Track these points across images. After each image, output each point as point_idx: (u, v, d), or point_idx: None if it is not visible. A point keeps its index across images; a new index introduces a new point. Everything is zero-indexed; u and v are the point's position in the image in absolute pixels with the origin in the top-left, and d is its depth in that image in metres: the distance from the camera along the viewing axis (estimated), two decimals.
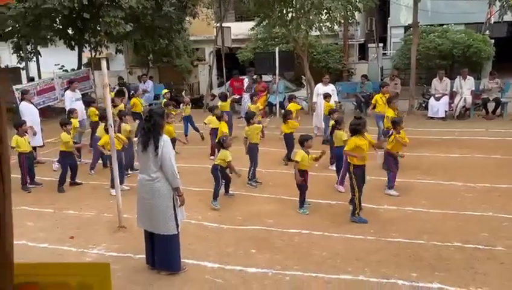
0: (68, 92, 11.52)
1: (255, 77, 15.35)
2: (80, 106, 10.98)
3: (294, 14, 14.11)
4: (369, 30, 23.15)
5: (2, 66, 25.07)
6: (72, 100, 11.12)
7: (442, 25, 20.45)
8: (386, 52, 23.44)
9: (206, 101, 17.73)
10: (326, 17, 13.70)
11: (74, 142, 9.90)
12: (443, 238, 5.72)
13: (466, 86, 13.45)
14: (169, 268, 5.11)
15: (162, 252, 5.07)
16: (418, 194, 7.49)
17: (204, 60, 24.42)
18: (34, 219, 6.94)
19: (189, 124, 11.83)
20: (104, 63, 6.17)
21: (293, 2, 13.73)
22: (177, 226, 4.99)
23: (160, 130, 4.92)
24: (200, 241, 5.93)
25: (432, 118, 13.70)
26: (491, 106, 13.58)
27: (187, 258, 5.39)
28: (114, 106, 11.39)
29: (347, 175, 6.95)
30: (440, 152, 10.04)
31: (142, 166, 5.05)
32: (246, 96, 14.24)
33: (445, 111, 13.57)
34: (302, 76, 17.66)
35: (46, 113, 15.43)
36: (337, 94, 15.73)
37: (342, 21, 15.83)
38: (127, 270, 5.22)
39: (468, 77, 13.65)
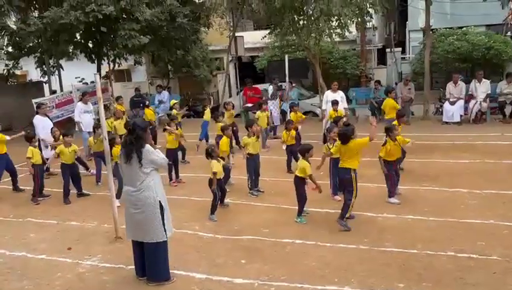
0: (80, 103, 11.92)
1: (279, 84, 15.30)
2: (88, 118, 11.24)
3: (305, 22, 14.11)
4: (388, 35, 22.92)
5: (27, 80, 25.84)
6: (81, 112, 11.39)
7: (462, 27, 20.06)
8: (405, 56, 23.13)
9: (222, 110, 17.80)
10: (337, 23, 13.64)
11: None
12: (437, 247, 5.60)
13: (481, 89, 13.15)
14: (157, 278, 5.16)
15: (151, 261, 5.12)
16: (421, 202, 7.35)
17: (227, 69, 24.66)
18: (37, 231, 7.11)
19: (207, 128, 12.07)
20: (97, 78, 6.33)
21: (304, 10, 13.73)
22: (165, 232, 5.05)
23: (142, 142, 4.97)
24: (193, 252, 5.97)
25: (446, 122, 13.43)
26: (508, 109, 13.23)
27: (177, 269, 5.43)
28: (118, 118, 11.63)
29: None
30: (450, 158, 9.84)
31: (127, 178, 5.13)
32: (271, 103, 14.15)
33: (461, 115, 13.29)
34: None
35: (66, 125, 15.82)
36: (351, 100, 15.70)
37: (356, 27, 15.71)
38: (117, 282, 5.30)
39: (483, 80, 13.35)
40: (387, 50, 21.26)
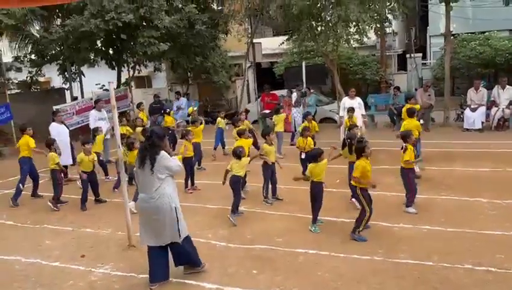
0: (93, 111, 11.92)
1: (303, 90, 15.22)
2: (102, 125, 11.31)
3: (322, 28, 14.04)
4: (408, 40, 22.68)
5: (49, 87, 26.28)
6: (95, 119, 11.49)
7: (485, 32, 19.73)
8: (426, 62, 22.83)
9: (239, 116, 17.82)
10: (355, 29, 13.53)
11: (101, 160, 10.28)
12: (454, 260, 5.44)
13: (504, 95, 12.87)
14: (194, 264, 5.46)
15: (186, 254, 5.35)
16: (438, 212, 7.19)
17: (245, 76, 24.73)
18: (52, 237, 7.17)
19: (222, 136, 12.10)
20: (111, 86, 6.36)
21: (321, 16, 13.66)
22: (180, 234, 5.17)
23: (157, 149, 5.02)
24: (204, 261, 5.90)
25: (467, 129, 13.17)
26: None
27: (188, 279, 5.42)
28: (136, 126, 11.72)
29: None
30: (470, 166, 9.62)
31: (141, 185, 5.16)
32: (295, 110, 14.08)
33: (482, 122, 13.01)
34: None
35: (85, 131, 16.02)
36: (370, 107, 15.53)
37: (375, 33, 15.56)
38: None
39: (507, 86, 13.05)
40: (408, 55, 21.00)
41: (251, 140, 9.13)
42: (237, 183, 7.33)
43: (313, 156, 6.79)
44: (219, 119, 12.33)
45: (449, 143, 11.78)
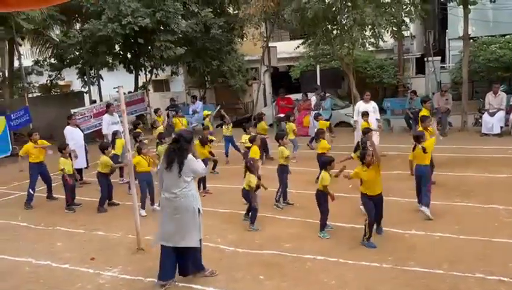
0: (106, 115, 11.97)
1: (322, 94, 15.13)
2: (116, 129, 11.37)
3: (338, 31, 13.96)
4: (427, 43, 22.38)
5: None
6: (109, 124, 11.56)
7: (505, 35, 19.37)
8: (444, 65, 22.51)
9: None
10: (370, 33, 13.42)
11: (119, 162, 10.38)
12: (465, 268, 5.33)
13: None
14: (198, 269, 5.52)
15: (192, 261, 5.45)
16: (452, 218, 7.05)
17: (260, 79, 24.76)
18: (64, 240, 7.26)
19: (230, 144, 12.01)
20: (121, 90, 6.40)
21: (337, 19, 13.57)
22: (200, 238, 5.37)
23: (185, 153, 5.15)
24: (212, 265, 5.86)
25: (486, 134, 12.93)
26: None
27: (195, 283, 5.42)
28: (155, 127, 11.80)
29: None
30: (487, 172, 9.43)
31: (166, 184, 5.24)
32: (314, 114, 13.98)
33: (501, 127, 12.76)
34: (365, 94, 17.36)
35: (101, 134, 16.21)
36: (386, 111, 15.37)
37: (393, 36, 15.38)
38: None
39: None
40: (429, 59, 20.71)
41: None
42: (247, 195, 7.26)
43: (323, 163, 6.74)
44: (224, 128, 12.25)
45: (466, 148, 11.58)
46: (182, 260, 5.42)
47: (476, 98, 17.58)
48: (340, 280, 5.30)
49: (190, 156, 5.19)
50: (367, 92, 12.19)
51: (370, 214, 6.19)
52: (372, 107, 11.47)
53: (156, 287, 5.35)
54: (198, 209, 5.24)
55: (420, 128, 8.39)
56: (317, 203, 6.69)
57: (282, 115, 15.44)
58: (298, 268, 5.72)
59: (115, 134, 10.41)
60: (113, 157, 9.21)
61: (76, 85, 26.67)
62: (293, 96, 16.83)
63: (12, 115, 14.19)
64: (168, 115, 16.33)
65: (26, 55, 23.15)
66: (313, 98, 15.17)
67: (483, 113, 13.60)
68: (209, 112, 13.59)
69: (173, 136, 5.71)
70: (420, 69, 23.13)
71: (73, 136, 10.40)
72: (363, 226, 6.29)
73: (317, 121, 10.98)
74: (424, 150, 7.03)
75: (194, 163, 5.20)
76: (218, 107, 15.22)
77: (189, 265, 5.46)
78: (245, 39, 20.13)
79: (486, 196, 7.94)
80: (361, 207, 7.24)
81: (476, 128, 14.05)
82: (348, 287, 5.11)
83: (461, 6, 13.68)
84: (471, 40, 19.14)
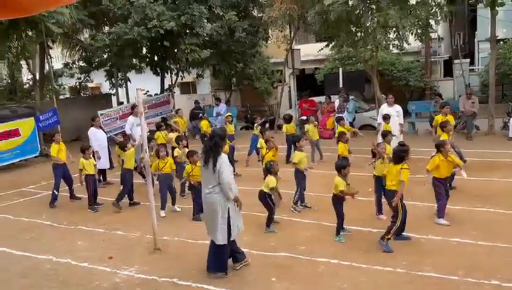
0: (131, 117, 12.15)
1: (345, 95, 15.04)
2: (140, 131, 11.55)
3: (362, 34, 13.85)
4: (455, 45, 21.98)
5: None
6: (133, 125, 11.73)
7: None
8: (473, 68, 22.04)
9: (278, 122, 17.85)
10: (394, 35, 13.27)
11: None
12: (481, 275, 5.22)
13: None
14: (214, 270, 5.65)
15: (213, 255, 5.67)
16: (471, 224, 6.92)
17: (285, 82, 24.77)
18: (84, 238, 7.44)
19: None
20: (140, 93, 6.51)
21: (360, 22, 13.47)
22: (228, 237, 5.51)
23: (219, 149, 5.44)
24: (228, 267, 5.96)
25: None
26: None
27: (207, 284, 5.48)
28: (172, 130, 11.93)
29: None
30: (511, 177, 9.19)
31: (203, 180, 5.61)
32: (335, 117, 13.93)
33: None
34: (383, 95, 17.19)
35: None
36: (411, 114, 15.16)
37: (419, 38, 15.15)
38: None
39: None
40: (457, 61, 20.31)
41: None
42: (264, 199, 7.19)
43: (338, 166, 6.71)
44: (256, 125, 12.38)
45: (492, 152, 11.33)
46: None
47: (505, 101, 17.16)
48: (352, 283, 5.28)
49: (224, 155, 5.46)
50: (390, 95, 12.04)
51: (402, 215, 6.17)
52: (395, 111, 11.34)
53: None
54: (229, 207, 5.44)
55: (443, 135, 8.23)
56: (334, 207, 6.67)
57: (304, 118, 15.44)
58: (311, 271, 5.71)
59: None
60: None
61: (106, 87, 27.27)
62: (317, 99, 16.76)
63: (41, 117, 14.60)
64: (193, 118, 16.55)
65: (57, 58, 23.80)
66: (336, 101, 15.09)
67: (511, 117, 13.28)
68: (230, 114, 13.64)
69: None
70: (448, 71, 22.72)
71: (97, 137, 10.63)
72: (381, 230, 6.25)
73: (339, 124, 10.92)
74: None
75: (225, 166, 5.38)
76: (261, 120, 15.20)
77: (209, 260, 5.68)
78: (270, 41, 20.18)
79: (509, 202, 7.76)
80: (381, 217, 7.27)
81: (504, 132, 13.71)
82: None
83: (489, 7, 13.40)
84: (501, 42, 18.72)
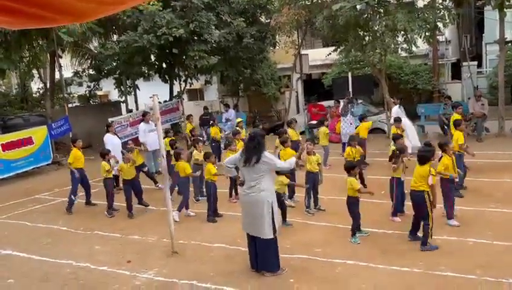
0: (142, 124, 12.27)
1: (349, 97, 14.99)
2: (153, 137, 11.64)
3: (370, 38, 13.94)
4: (463, 48, 21.99)
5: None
6: (145, 132, 11.86)
7: None
8: (481, 70, 22.04)
9: (286, 127, 17.91)
10: (402, 39, 13.34)
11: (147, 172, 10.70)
12: (498, 274, 5.27)
13: None
14: (270, 269, 5.74)
15: (263, 255, 5.76)
16: (485, 224, 6.96)
17: (292, 87, 24.86)
18: (102, 243, 7.54)
19: None
20: (155, 99, 6.64)
21: (368, 26, 13.55)
22: (275, 231, 5.66)
23: (263, 148, 5.65)
24: (243, 269, 6.02)
25: None
26: None
27: (227, 285, 5.55)
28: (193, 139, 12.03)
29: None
30: None
31: (246, 179, 5.75)
32: (342, 120, 13.93)
33: None
34: (391, 98, 17.23)
35: (137, 142, 16.62)
36: (420, 117, 15.20)
37: (427, 41, 15.20)
38: None
39: None
40: (465, 64, 20.32)
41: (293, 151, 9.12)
42: (279, 197, 7.32)
43: (348, 167, 6.79)
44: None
45: (502, 154, 11.34)
46: (256, 252, 5.82)
47: None
48: (369, 284, 5.33)
49: (266, 152, 5.66)
50: (395, 96, 12.14)
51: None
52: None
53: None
54: (272, 202, 5.63)
55: (457, 132, 8.28)
56: (348, 209, 6.74)
57: (314, 122, 15.51)
58: (328, 272, 5.77)
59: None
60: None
61: (114, 95, 27.47)
62: (325, 103, 16.84)
63: (53, 125, 14.76)
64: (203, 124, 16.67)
65: (66, 66, 24.04)
66: (341, 104, 15.15)
67: None
68: (241, 119, 13.73)
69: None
70: (456, 74, 22.74)
71: (113, 143, 10.76)
72: (396, 232, 6.29)
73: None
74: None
75: (272, 158, 5.74)
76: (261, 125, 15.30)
77: (259, 259, 5.80)
78: (277, 47, 20.30)
79: None
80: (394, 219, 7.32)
81: None
82: None
83: (497, 9, 13.43)
84: (509, 44, 18.71)
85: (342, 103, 14.89)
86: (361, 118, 11.81)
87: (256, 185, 5.58)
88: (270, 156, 5.73)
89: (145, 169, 10.96)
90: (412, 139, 11.14)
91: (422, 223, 6.28)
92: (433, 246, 6.19)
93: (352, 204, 6.67)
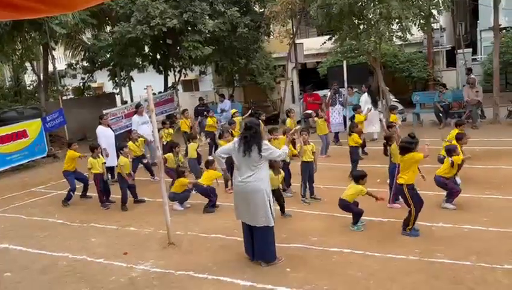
0: (135, 116, 12.23)
1: (336, 87, 15.00)
2: (146, 129, 11.62)
3: (364, 26, 13.88)
4: (458, 35, 21.96)
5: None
6: (138, 124, 11.83)
7: None
8: (476, 57, 22.04)
9: (282, 117, 17.89)
10: (397, 26, 13.30)
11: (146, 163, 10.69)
12: (493, 260, 5.30)
13: None
14: (267, 259, 5.76)
15: (260, 244, 5.76)
16: (481, 211, 7.00)
17: (287, 77, 24.79)
18: (98, 235, 7.54)
19: None
20: (149, 90, 6.61)
21: (363, 14, 13.49)
22: (273, 219, 5.70)
23: (260, 136, 5.68)
24: (240, 259, 6.04)
25: None
26: None
27: (223, 276, 5.56)
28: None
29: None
30: None
31: (242, 169, 5.67)
32: (330, 110, 13.91)
33: None
34: (386, 87, 17.20)
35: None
36: (416, 105, 15.20)
37: (421, 29, 15.14)
38: (166, 287, 5.49)
39: None
40: (459, 51, 20.31)
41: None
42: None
43: (355, 177, 6.83)
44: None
45: (497, 140, 11.38)
46: (252, 241, 5.83)
47: (509, 89, 17.19)
48: (366, 271, 5.36)
49: (265, 141, 5.72)
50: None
51: (417, 204, 6.26)
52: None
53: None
54: (267, 190, 5.64)
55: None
56: (346, 210, 6.84)
57: (309, 111, 15.46)
58: (324, 261, 5.79)
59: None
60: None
61: (108, 87, 27.37)
62: (321, 93, 16.80)
63: (47, 117, 14.68)
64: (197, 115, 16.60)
65: (60, 59, 23.90)
66: (328, 94, 15.16)
67: None
68: (236, 110, 13.70)
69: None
70: (451, 61, 22.73)
71: (106, 135, 10.71)
72: (392, 220, 6.33)
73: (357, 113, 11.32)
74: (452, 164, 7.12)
75: (271, 146, 5.76)
76: (250, 110, 15.24)
77: (255, 249, 5.81)
78: (272, 37, 20.21)
79: None
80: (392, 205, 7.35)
81: (509, 120, 13.75)
82: (373, 279, 5.16)
83: None
84: (504, 31, 18.72)
85: (328, 94, 14.92)
86: (355, 109, 11.79)
87: (254, 174, 5.56)
88: (269, 145, 5.76)
89: (145, 161, 10.96)
90: (375, 125, 12.40)
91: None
92: (414, 232, 6.26)
93: (346, 207, 6.74)
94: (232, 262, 5.97)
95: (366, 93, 13.12)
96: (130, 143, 10.19)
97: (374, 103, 12.82)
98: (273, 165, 7.29)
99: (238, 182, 5.71)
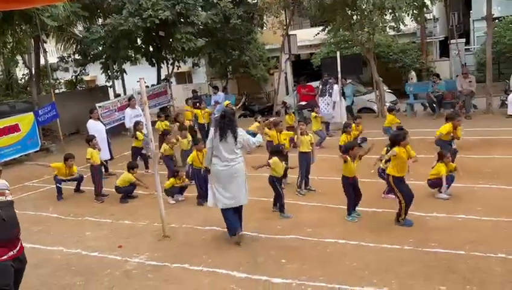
0: (128, 109, 12.18)
1: (325, 78, 14.94)
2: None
3: (358, 17, 13.85)
4: (451, 25, 21.97)
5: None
6: (131, 117, 11.78)
7: None
8: (469, 47, 22.07)
9: (276, 109, 17.87)
10: (390, 17, 13.28)
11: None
12: (487, 249, 5.33)
13: None
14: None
15: (241, 217, 6.42)
16: (475, 201, 7.03)
17: (281, 68, 24.74)
18: (92, 229, 7.51)
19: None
20: (142, 82, 6.56)
21: (356, 4, 13.45)
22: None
23: (234, 124, 6.10)
24: (235, 250, 6.05)
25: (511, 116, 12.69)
26: None
27: (218, 268, 5.56)
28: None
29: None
30: (511, 154, 9.28)
31: (223, 154, 6.04)
32: (320, 100, 13.85)
33: None
34: (380, 78, 17.17)
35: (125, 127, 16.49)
36: (409, 95, 15.22)
37: (412, 19, 15.12)
38: (161, 280, 5.48)
39: None
40: (453, 41, 20.32)
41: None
42: (273, 182, 7.24)
43: (345, 148, 6.83)
44: (255, 124, 11.87)
45: (490, 130, 11.41)
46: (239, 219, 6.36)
47: (502, 79, 17.24)
48: (361, 262, 5.37)
49: (241, 129, 6.12)
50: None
51: (406, 196, 6.27)
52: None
53: (233, 240, 6.22)
54: (246, 173, 6.28)
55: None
56: (343, 188, 6.79)
57: (303, 103, 15.46)
58: (319, 252, 5.80)
59: (137, 124, 10.65)
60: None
61: (101, 80, 27.16)
62: (314, 84, 16.78)
63: (40, 111, 14.57)
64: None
65: (52, 52, 23.68)
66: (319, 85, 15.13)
67: (509, 95, 13.35)
68: (229, 102, 13.67)
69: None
70: (444, 51, 22.76)
71: (96, 129, 10.65)
72: (386, 210, 6.35)
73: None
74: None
75: (245, 133, 6.18)
76: (243, 99, 15.26)
77: (240, 222, 6.36)
78: (265, 28, 20.12)
79: (510, 178, 7.85)
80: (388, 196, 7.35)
81: (502, 110, 13.80)
82: (369, 269, 5.17)
83: None
84: (497, 20, 18.74)
85: (320, 85, 14.90)
86: (391, 109, 11.68)
87: (236, 157, 6.07)
88: (243, 132, 6.18)
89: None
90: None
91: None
92: (407, 222, 6.30)
93: (345, 183, 6.71)
94: (227, 254, 5.97)
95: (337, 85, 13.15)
96: (138, 133, 10.47)
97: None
98: (279, 151, 7.34)
99: (222, 166, 6.08)
